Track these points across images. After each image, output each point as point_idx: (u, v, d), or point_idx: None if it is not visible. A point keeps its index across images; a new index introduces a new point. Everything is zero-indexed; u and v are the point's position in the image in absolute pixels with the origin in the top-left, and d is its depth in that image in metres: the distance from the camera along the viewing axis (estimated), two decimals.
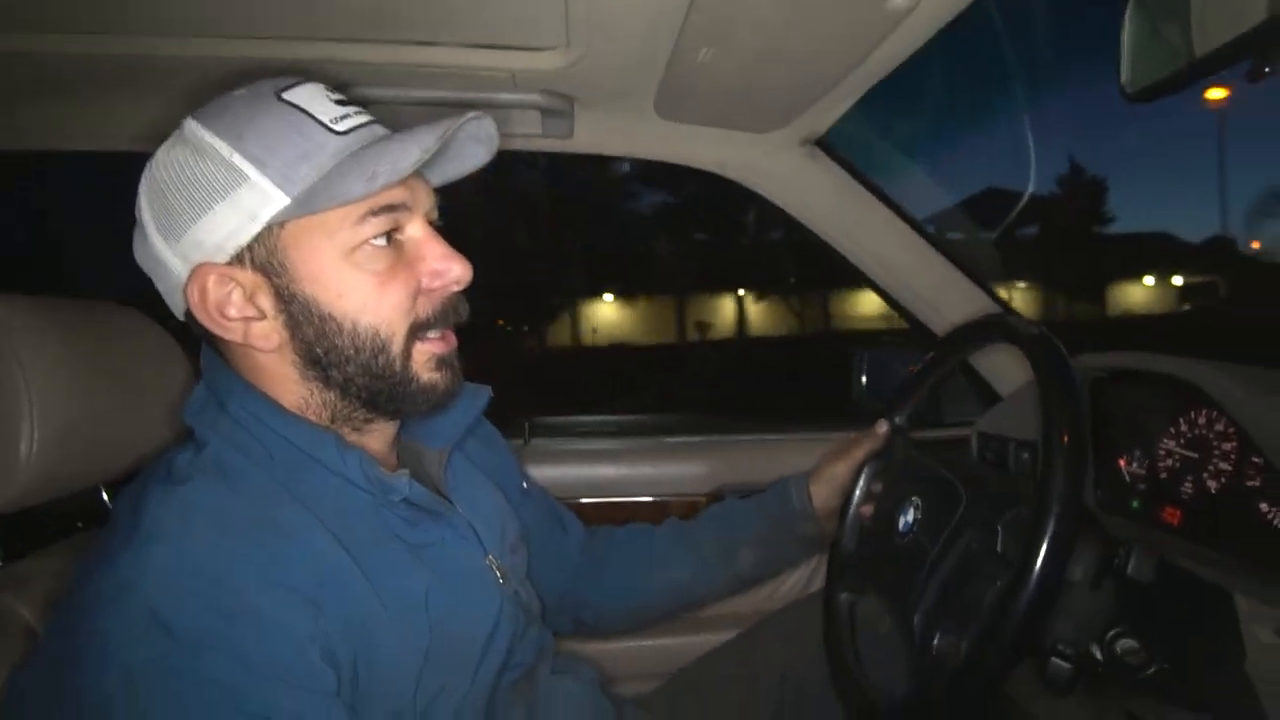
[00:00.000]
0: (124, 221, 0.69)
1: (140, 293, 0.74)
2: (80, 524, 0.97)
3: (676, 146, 1.19)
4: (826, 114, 1.09)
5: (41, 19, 0.85)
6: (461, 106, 1.03)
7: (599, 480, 1.40)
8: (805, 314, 16.38)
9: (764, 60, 0.87)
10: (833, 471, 1.06)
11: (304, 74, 0.69)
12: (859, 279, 1.33)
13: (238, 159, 0.62)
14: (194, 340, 0.73)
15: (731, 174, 1.23)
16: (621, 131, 1.16)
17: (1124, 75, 0.62)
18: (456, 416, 0.80)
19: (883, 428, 1.07)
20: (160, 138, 0.66)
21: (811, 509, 1.04)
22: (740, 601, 1.34)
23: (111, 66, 0.94)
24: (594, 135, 1.15)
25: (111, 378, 0.80)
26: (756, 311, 16.97)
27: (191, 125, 0.64)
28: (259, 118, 0.63)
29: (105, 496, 0.86)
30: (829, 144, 1.20)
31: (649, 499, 1.41)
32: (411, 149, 0.62)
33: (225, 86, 0.67)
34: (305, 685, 0.56)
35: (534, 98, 1.01)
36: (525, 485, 1.00)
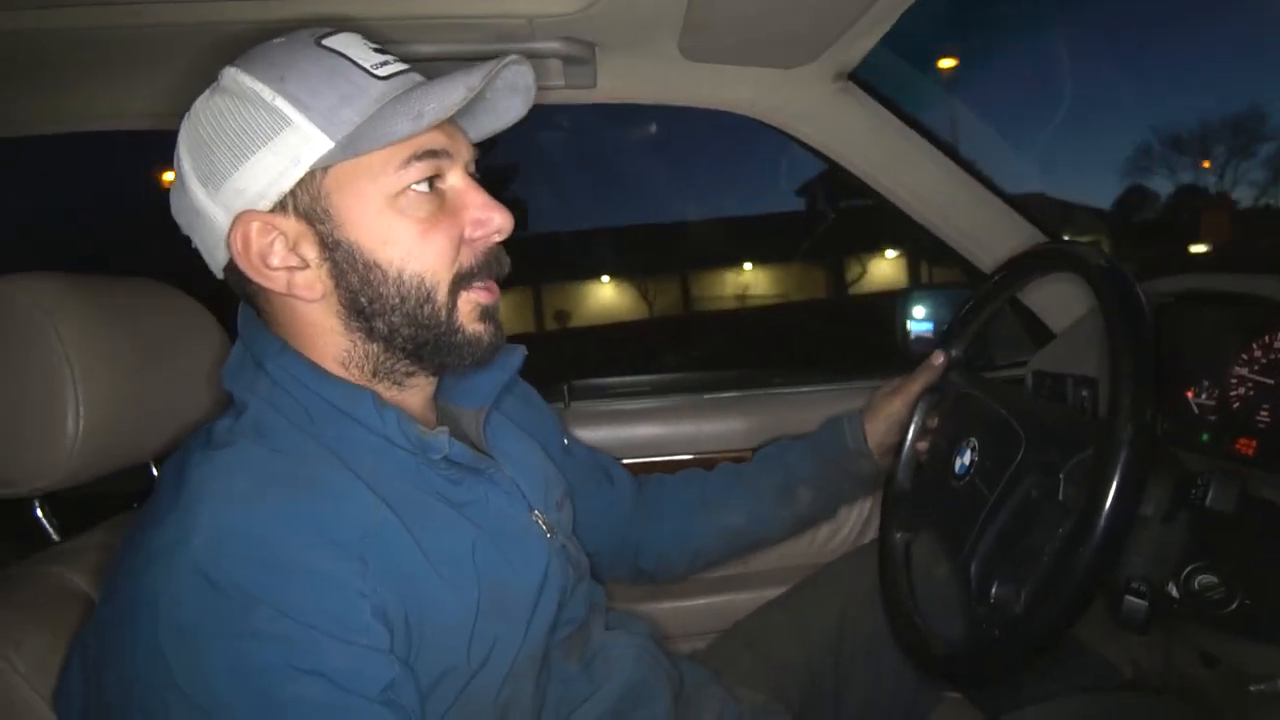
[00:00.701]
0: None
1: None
2: (136, 505, 0.99)
3: (704, 89, 1.15)
4: (857, 45, 1.03)
5: None
6: (480, 59, 1.01)
7: (640, 440, 1.39)
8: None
9: None
10: (889, 407, 1.04)
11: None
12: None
13: (280, 102, 0.61)
14: (230, 310, 0.72)
15: (761, 115, 1.18)
16: (646, 76, 1.12)
17: None
18: (492, 376, 0.79)
19: (939, 359, 1.03)
20: (168, 114, 0.65)
21: (867, 447, 1.03)
22: (793, 555, 1.33)
23: (111, 39, 0.92)
24: (618, 83, 1.11)
25: (152, 353, 0.80)
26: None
27: (231, 72, 0.64)
28: (300, 63, 0.63)
29: (155, 473, 0.87)
30: (862, 78, 1.14)
31: (691, 456, 1.39)
32: (458, 88, 0.62)
33: (235, 51, 0.65)
34: (358, 641, 0.56)
35: (554, 45, 0.97)
36: (566, 442, 0.99)
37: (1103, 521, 0.63)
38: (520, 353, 0.82)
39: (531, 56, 0.98)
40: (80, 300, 0.75)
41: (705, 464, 1.36)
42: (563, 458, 0.96)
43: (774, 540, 1.09)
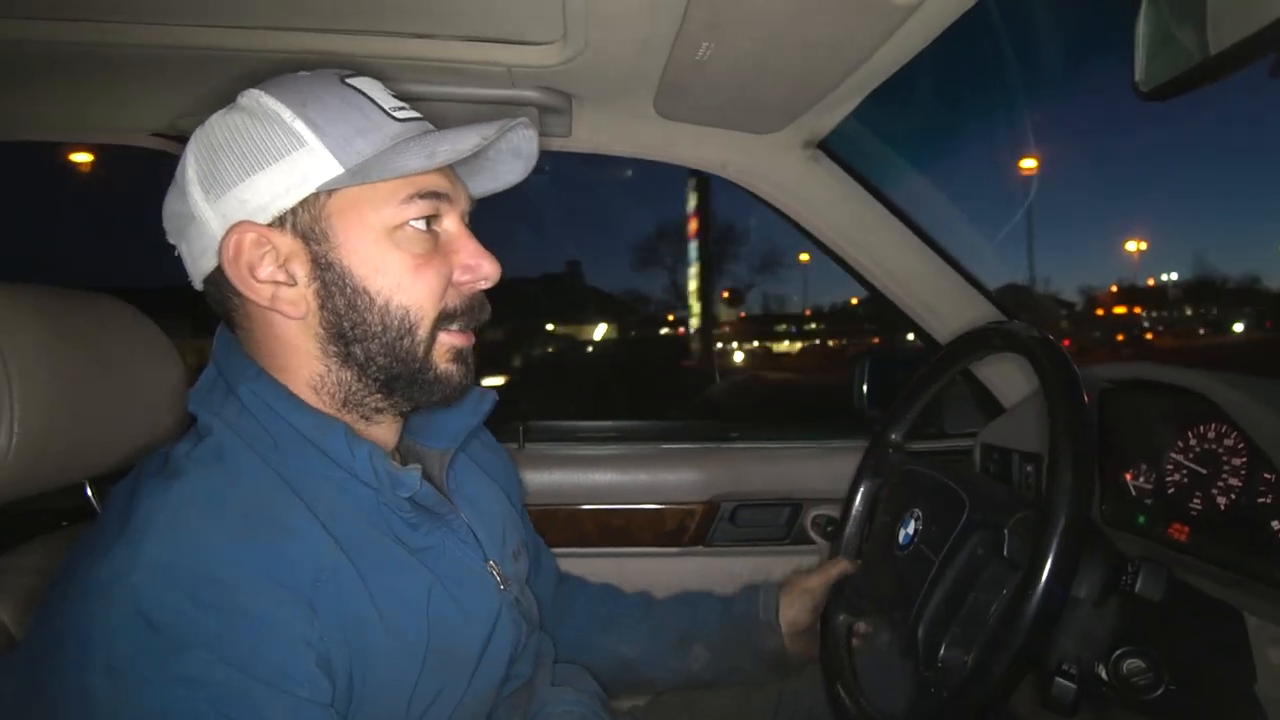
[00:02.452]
0: None
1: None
2: (65, 522, 0.95)
3: (677, 147, 1.18)
4: (828, 116, 1.07)
5: (49, 5, 0.84)
6: (460, 103, 1.03)
7: (595, 486, 1.38)
8: None
9: (764, 58, 0.85)
10: (805, 585, 1.01)
11: (299, 66, 0.70)
12: None
13: (299, 125, 0.63)
14: (189, 334, 0.71)
15: (732, 176, 1.21)
16: (621, 130, 1.14)
17: (1138, 73, 0.60)
18: (461, 418, 0.79)
19: (840, 566, 1.02)
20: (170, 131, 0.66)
21: (776, 623, 0.99)
22: None
23: (99, 57, 0.93)
24: (593, 134, 1.14)
25: (99, 370, 0.78)
26: None
27: (253, 93, 0.65)
28: (322, 94, 0.65)
29: (90, 493, 0.84)
30: (832, 148, 1.18)
31: (645, 506, 1.38)
32: (471, 135, 0.64)
33: (217, 77, 0.66)
34: (298, 692, 0.54)
35: (531, 94, 0.99)
36: (523, 504, 0.98)
37: (1046, 572, 0.65)
38: (491, 398, 0.82)
39: (509, 103, 1.00)
40: (26, 311, 0.73)
41: (658, 514, 1.37)
42: (521, 511, 0.95)
43: (659, 686, 1.04)
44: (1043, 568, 0.65)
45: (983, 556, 0.78)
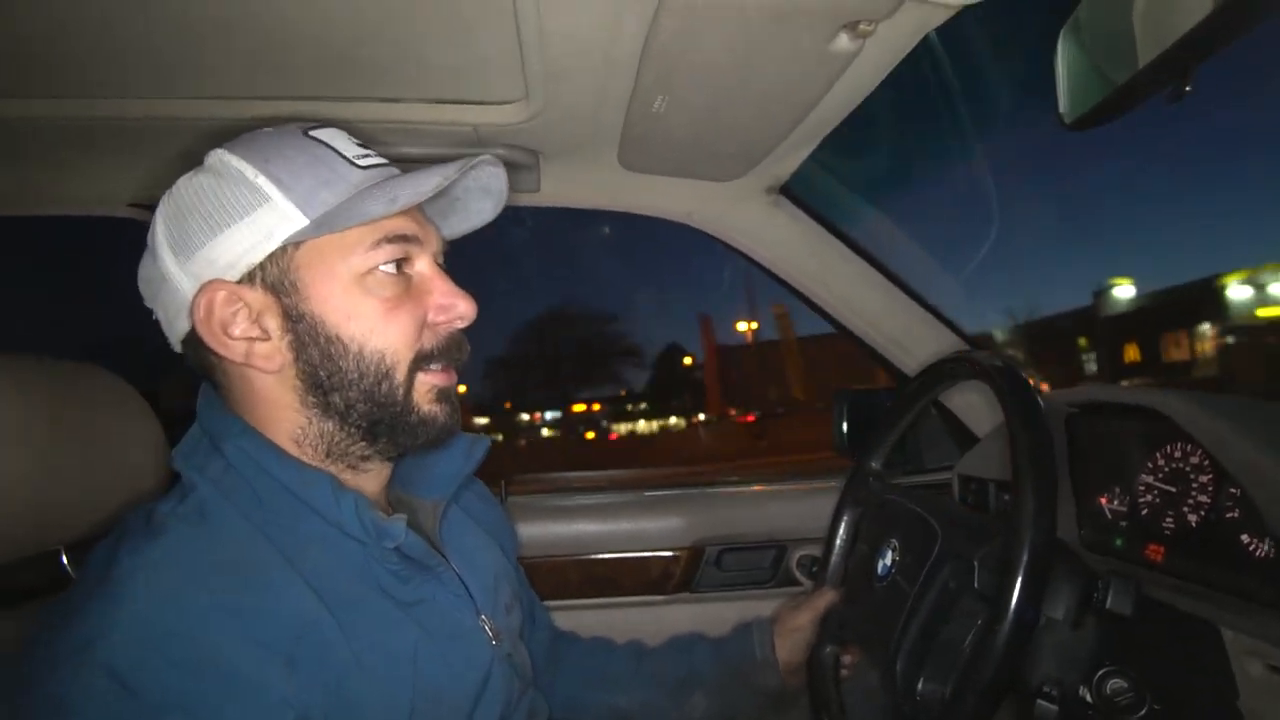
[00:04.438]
0: None
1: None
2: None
3: (643, 197, 1.21)
4: (787, 161, 1.11)
5: (13, 83, 0.86)
6: (429, 163, 1.06)
7: (579, 536, 1.37)
8: None
9: (717, 108, 0.89)
10: (794, 622, 1.02)
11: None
12: None
13: (262, 180, 0.64)
14: (167, 401, 0.72)
15: (698, 224, 1.24)
16: (588, 183, 1.18)
17: (1061, 105, 0.63)
18: (453, 466, 0.79)
19: (827, 596, 1.03)
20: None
21: (774, 658, 1.00)
22: None
23: (69, 131, 0.95)
24: (561, 188, 1.17)
25: (75, 436, 0.78)
26: None
27: (217, 153, 0.67)
28: (285, 149, 0.66)
29: (65, 560, 0.83)
30: (793, 191, 1.21)
31: (630, 554, 1.37)
32: (431, 177, 0.65)
33: (188, 145, 0.68)
34: None
35: (499, 151, 1.03)
36: (517, 558, 0.98)
37: (1014, 603, 0.65)
38: (484, 446, 0.82)
39: None
40: (3, 377, 0.74)
41: (642, 562, 1.35)
42: (515, 565, 0.94)
43: None
44: (1010, 598, 0.65)
45: (955, 589, 0.78)
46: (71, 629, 0.54)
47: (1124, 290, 23.69)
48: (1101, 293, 24.47)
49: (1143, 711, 0.72)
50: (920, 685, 0.74)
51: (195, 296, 0.64)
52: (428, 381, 0.70)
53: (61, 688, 0.51)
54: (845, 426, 1.41)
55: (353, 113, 0.94)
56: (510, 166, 1.06)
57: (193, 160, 0.69)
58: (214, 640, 0.54)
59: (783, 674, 1.00)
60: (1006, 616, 0.65)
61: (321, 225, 0.64)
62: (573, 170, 1.12)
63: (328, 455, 0.69)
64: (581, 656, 1.04)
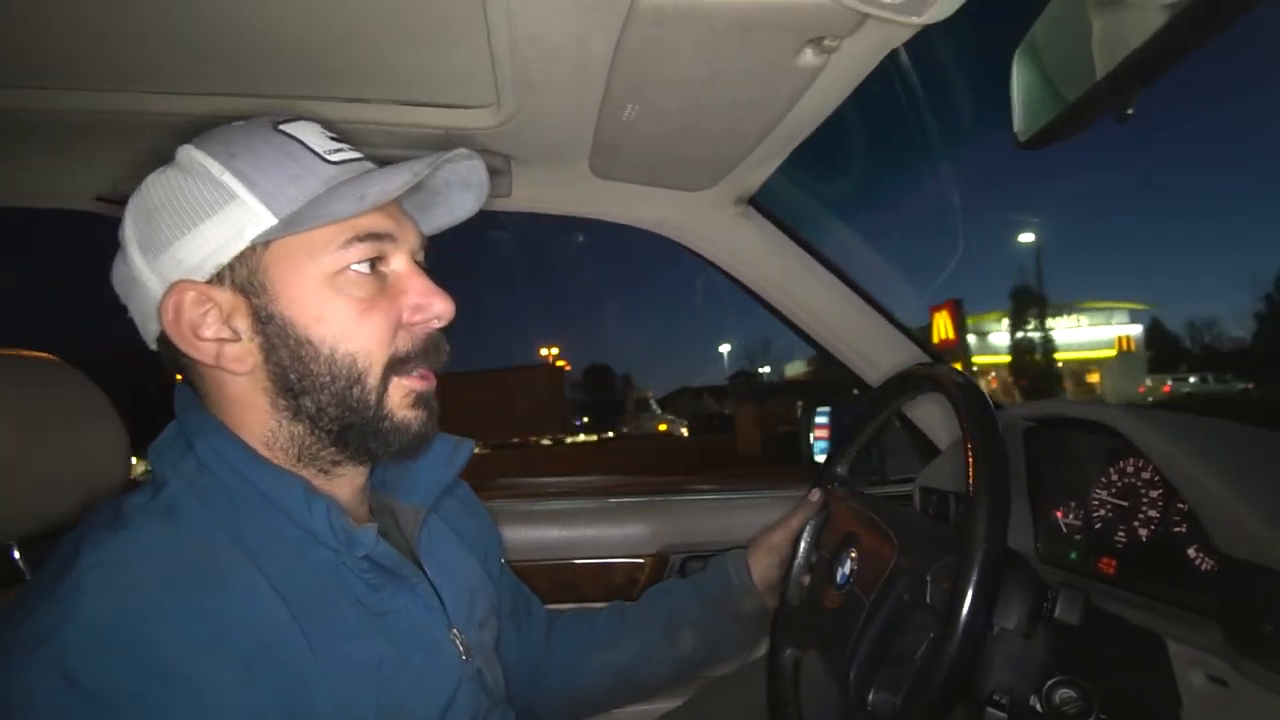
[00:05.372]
0: None
1: None
2: None
3: (613, 205, 1.22)
4: (755, 173, 1.12)
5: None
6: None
7: (543, 542, 1.37)
8: None
9: (687, 118, 0.90)
10: (770, 542, 1.04)
11: None
12: None
13: (228, 178, 0.62)
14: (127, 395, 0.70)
15: (668, 233, 1.25)
16: (560, 190, 1.18)
17: (1016, 123, 0.65)
18: (435, 471, 0.78)
19: (815, 495, 1.06)
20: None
21: (751, 583, 1.02)
22: None
23: (35, 124, 0.94)
24: (532, 194, 1.17)
25: (30, 429, 0.77)
26: None
27: (186, 149, 0.65)
28: (253, 143, 0.65)
29: (17, 555, 0.81)
30: (762, 203, 1.23)
31: (594, 560, 1.37)
32: (402, 173, 0.63)
33: (155, 140, 0.67)
34: None
35: None
36: (504, 561, 0.97)
37: (962, 621, 0.65)
38: (466, 451, 0.80)
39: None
40: None
41: (606, 569, 1.35)
42: (499, 574, 0.93)
43: (658, 684, 1.04)
44: (960, 613, 0.65)
45: (908, 602, 0.79)
46: (24, 620, 0.52)
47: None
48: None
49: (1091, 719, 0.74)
50: (871, 695, 0.74)
51: (164, 297, 0.63)
52: (404, 386, 0.68)
53: (10, 678, 0.49)
54: (813, 436, 1.43)
55: (325, 112, 0.93)
56: None
57: (163, 156, 0.67)
58: (170, 641, 0.53)
59: (761, 595, 1.02)
60: (956, 632, 0.65)
61: (289, 224, 0.62)
62: (544, 176, 1.13)
63: (299, 459, 0.67)
64: (567, 626, 1.04)
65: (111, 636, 0.51)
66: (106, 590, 0.53)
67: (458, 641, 0.73)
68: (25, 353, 0.83)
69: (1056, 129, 0.60)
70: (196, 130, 0.68)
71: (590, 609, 1.08)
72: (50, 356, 0.86)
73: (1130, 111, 0.49)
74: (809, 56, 0.74)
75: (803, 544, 1.05)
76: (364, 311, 0.65)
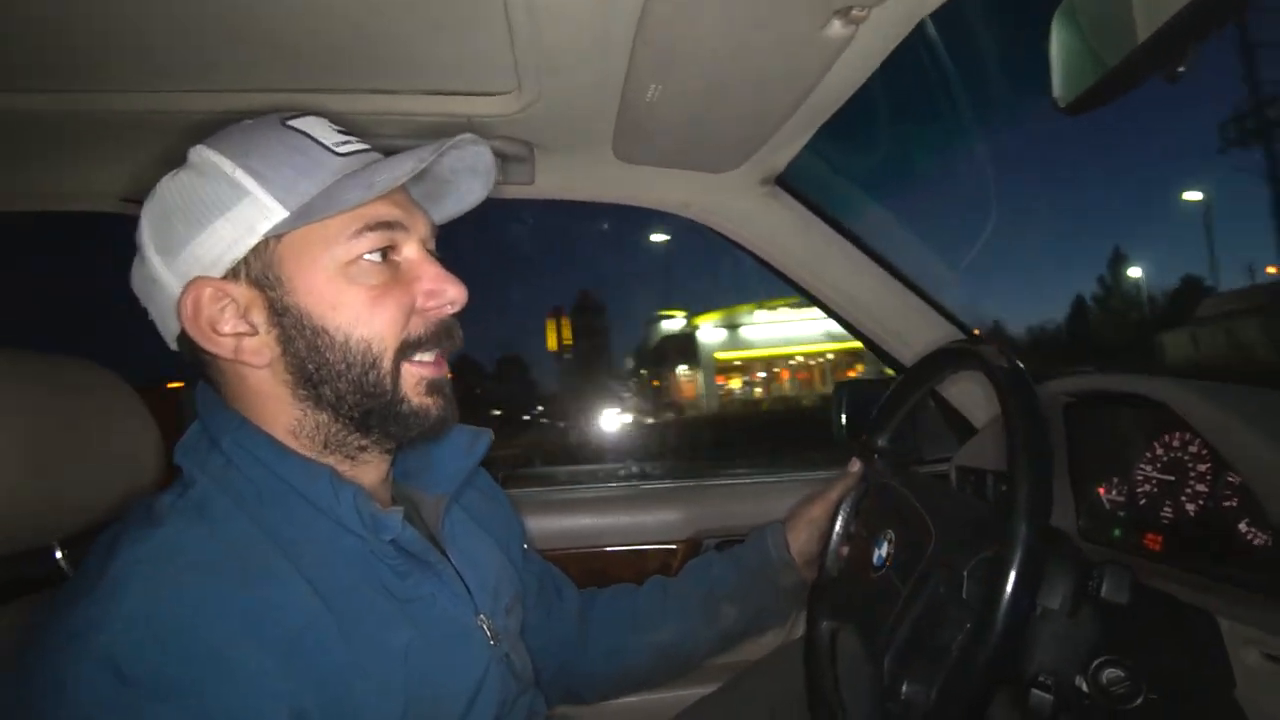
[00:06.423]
0: None
1: None
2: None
3: (638, 189, 1.21)
4: (782, 151, 1.10)
5: (4, 79, 0.86)
6: None
7: (575, 530, 1.37)
8: None
9: (711, 96, 0.88)
10: (809, 515, 1.04)
11: None
12: None
13: (240, 174, 0.64)
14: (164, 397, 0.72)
15: (694, 215, 1.24)
16: (583, 176, 1.17)
17: (1055, 89, 0.63)
18: (456, 461, 0.79)
19: (855, 466, 1.04)
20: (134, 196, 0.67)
21: (789, 557, 1.02)
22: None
23: (60, 127, 0.95)
24: (556, 180, 1.16)
25: (69, 432, 0.78)
26: None
27: (197, 149, 0.66)
28: (264, 140, 0.66)
29: (60, 555, 0.82)
30: (789, 182, 1.21)
31: (626, 548, 1.37)
32: (408, 160, 0.65)
33: (178, 139, 0.68)
34: None
35: (493, 143, 1.00)
36: (526, 547, 0.97)
37: (1000, 621, 0.64)
38: (486, 440, 0.81)
39: None
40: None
41: (639, 555, 1.35)
42: (523, 561, 0.94)
43: (700, 659, 1.05)
44: (999, 606, 0.63)
45: (943, 596, 0.77)
46: (70, 617, 0.54)
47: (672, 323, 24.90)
48: (652, 322, 25.94)
49: (1139, 701, 0.72)
50: (905, 687, 0.73)
51: (181, 295, 0.64)
52: (416, 373, 0.69)
53: (64, 669, 0.51)
54: (845, 418, 1.41)
55: (346, 105, 0.93)
56: (504, 159, 1.06)
57: (183, 152, 0.68)
58: (211, 631, 0.54)
59: (800, 568, 1.03)
60: (990, 634, 0.64)
61: (301, 216, 0.64)
62: (568, 162, 1.11)
63: (325, 446, 0.69)
64: (607, 605, 1.04)
65: (155, 628, 0.53)
66: (145, 585, 0.55)
67: (485, 627, 0.74)
68: (63, 357, 0.85)
69: (1100, 92, 0.58)
70: (218, 126, 0.69)
71: (631, 587, 1.08)
72: (86, 360, 0.88)
73: (1182, 69, 0.47)
74: (837, 27, 0.72)
75: (841, 514, 1.03)
76: (377, 299, 0.66)
